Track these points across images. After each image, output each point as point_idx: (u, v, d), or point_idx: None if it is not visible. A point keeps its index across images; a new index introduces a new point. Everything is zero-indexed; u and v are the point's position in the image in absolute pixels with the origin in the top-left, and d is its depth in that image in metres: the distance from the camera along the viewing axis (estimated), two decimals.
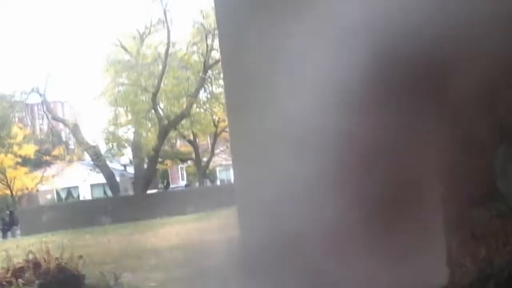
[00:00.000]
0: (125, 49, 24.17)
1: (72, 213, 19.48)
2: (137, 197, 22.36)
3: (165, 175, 30.68)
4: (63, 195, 28.31)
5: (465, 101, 1.37)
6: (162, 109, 24.51)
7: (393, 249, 1.38)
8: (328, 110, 1.36)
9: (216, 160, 27.56)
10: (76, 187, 28.39)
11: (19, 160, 25.02)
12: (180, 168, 31.17)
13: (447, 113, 1.38)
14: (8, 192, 25.26)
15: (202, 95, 25.00)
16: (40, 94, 24.76)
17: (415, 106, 1.36)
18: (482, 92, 1.37)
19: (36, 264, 8.96)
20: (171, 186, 29.89)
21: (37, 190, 26.90)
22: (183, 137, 26.38)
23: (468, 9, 1.36)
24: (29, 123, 27.77)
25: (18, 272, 8.56)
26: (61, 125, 26.78)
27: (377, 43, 1.35)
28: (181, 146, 28.29)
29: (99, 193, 27.75)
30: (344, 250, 1.37)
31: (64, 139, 27.92)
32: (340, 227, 1.36)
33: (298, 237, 1.40)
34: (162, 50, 23.55)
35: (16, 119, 26.36)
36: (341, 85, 1.36)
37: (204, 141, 27.92)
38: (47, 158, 26.08)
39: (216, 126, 25.12)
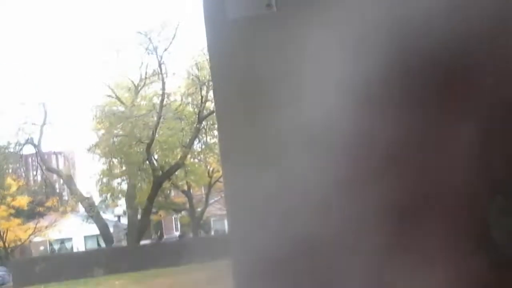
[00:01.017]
0: (120, 101, 24.31)
1: (65, 264, 19.27)
2: (130, 248, 22.17)
3: (158, 226, 30.51)
4: (56, 246, 28.08)
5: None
6: (156, 160, 24.54)
7: (408, 258, 1.38)
8: (346, 114, 1.38)
9: (211, 210, 27.46)
10: (70, 239, 28.19)
11: (12, 211, 24.87)
12: (174, 218, 31.02)
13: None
14: (0, 244, 25.05)
15: (197, 146, 25.08)
16: (35, 145, 24.79)
17: (440, 106, 1.37)
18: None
19: None
20: (165, 236, 29.68)
21: (30, 242, 26.66)
22: (177, 187, 26.34)
23: (494, 5, 1.37)
24: (23, 174, 27.70)
25: None
26: (55, 176, 26.73)
27: (398, 42, 1.37)
28: (175, 196, 28.22)
29: (92, 244, 27.55)
30: (363, 260, 1.37)
31: (58, 190, 27.83)
32: (360, 233, 1.36)
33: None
34: (156, 101, 23.69)
35: (10, 170, 26.30)
36: (360, 86, 1.38)
37: (199, 192, 27.87)
38: (41, 209, 25.94)
39: (210, 176, 25.12)
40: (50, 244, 28.04)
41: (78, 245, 28.13)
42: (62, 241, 28.00)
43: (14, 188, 25.37)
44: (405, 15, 1.36)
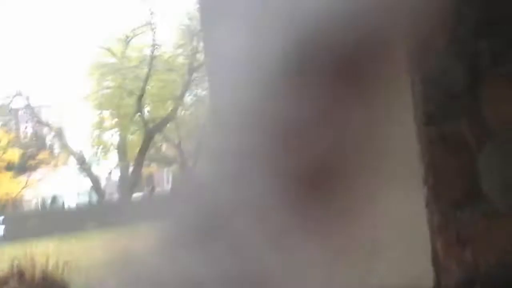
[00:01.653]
0: (110, 52, 24.10)
1: (57, 219, 19.36)
2: (122, 201, 22.25)
3: (150, 179, 30.62)
4: (48, 201, 28.18)
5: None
6: (147, 112, 24.47)
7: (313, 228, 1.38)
8: (250, 92, 1.36)
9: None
10: (61, 193, 28.27)
11: (4, 164, 24.90)
12: (166, 171, 31.13)
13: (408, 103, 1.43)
14: None
15: (188, 98, 24.99)
16: (24, 98, 24.65)
17: (333, 87, 1.36)
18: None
19: (21, 273, 8.85)
20: (156, 189, 29.82)
21: (22, 196, 26.75)
22: (169, 140, 26.34)
23: None
24: (13, 128, 27.62)
25: (1, 281, 8.46)
26: (45, 129, 26.67)
27: (299, 26, 1.34)
28: (167, 149, 28.25)
29: (84, 198, 27.63)
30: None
31: (48, 143, 27.80)
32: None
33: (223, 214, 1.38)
34: (147, 52, 23.51)
35: (0, 124, 26.23)
36: (262, 68, 1.31)
37: (190, 145, 27.91)
38: (32, 162, 25.97)
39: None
40: (42, 198, 28.13)
41: (70, 199, 28.23)
42: (54, 196, 28.09)
43: (5, 141, 25.34)
44: (306, 4, 1.35)
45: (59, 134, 25.04)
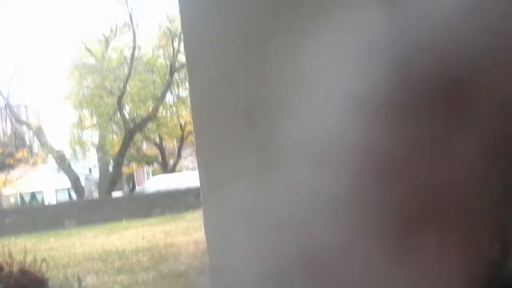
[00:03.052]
0: (90, 52, 23.99)
1: (36, 216, 19.24)
2: (102, 200, 22.17)
3: (130, 178, 30.48)
4: (27, 198, 27.94)
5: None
6: (127, 112, 24.39)
7: (413, 264, 1.40)
8: (349, 125, 1.39)
9: (183, 163, 27.48)
10: (41, 191, 28.05)
11: None
12: (146, 170, 31.00)
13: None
14: None
15: (169, 99, 24.95)
16: (3, 97, 24.46)
17: (439, 117, 1.39)
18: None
19: None
20: (137, 188, 29.70)
21: (0, 194, 26.50)
22: (149, 140, 26.27)
23: (494, 17, 1.40)
24: None
25: None
26: (24, 128, 26.46)
27: (400, 55, 1.38)
28: (147, 149, 28.15)
29: (63, 197, 27.45)
30: (363, 263, 1.39)
31: (28, 142, 27.58)
32: (358, 240, 1.37)
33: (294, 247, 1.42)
34: (127, 53, 23.44)
35: None
36: (362, 98, 1.39)
37: (171, 144, 27.84)
38: (11, 161, 25.72)
39: (182, 129, 25.05)
40: (21, 196, 27.90)
41: (49, 198, 28.03)
42: (33, 194, 27.87)
43: None
44: (407, 29, 1.37)
45: (38, 133, 24.87)
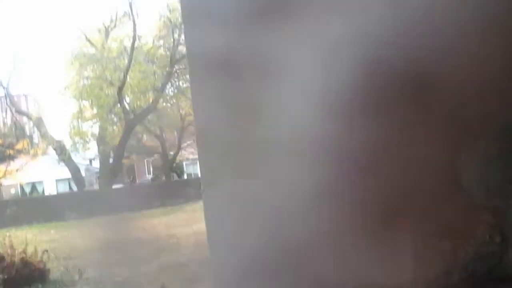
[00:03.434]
0: (90, 42, 23.94)
1: (37, 208, 19.26)
2: (102, 191, 22.18)
3: (131, 169, 30.50)
4: (27, 189, 27.96)
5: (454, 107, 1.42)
6: (128, 104, 24.36)
7: (391, 255, 1.42)
8: (318, 122, 1.40)
9: (183, 154, 27.48)
10: (41, 182, 28.07)
11: None
12: (147, 162, 31.01)
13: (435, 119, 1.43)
14: None
15: (169, 90, 24.92)
16: (4, 87, 24.44)
17: (406, 113, 1.41)
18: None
19: (0, 258, 8.86)
20: (137, 180, 29.72)
21: (1, 185, 26.51)
22: (150, 131, 26.25)
23: (458, 17, 1.40)
24: None
25: None
26: (25, 119, 26.44)
27: (368, 53, 1.39)
28: (148, 140, 28.15)
29: (64, 188, 27.47)
30: (337, 251, 1.40)
31: (28, 133, 27.56)
32: (331, 234, 1.39)
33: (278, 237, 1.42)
34: (128, 43, 23.39)
35: None
36: (331, 96, 1.40)
37: (171, 135, 27.83)
38: (11, 152, 25.71)
39: (182, 120, 25.04)
40: (21, 187, 27.91)
41: (50, 189, 28.05)
42: (33, 184, 27.88)
43: None
44: (374, 29, 1.37)
45: (39, 123, 24.86)
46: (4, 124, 27.65)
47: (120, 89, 22.81)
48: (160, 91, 23.50)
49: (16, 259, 9.07)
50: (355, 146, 1.42)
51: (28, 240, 10.12)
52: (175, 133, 26.95)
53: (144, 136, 27.71)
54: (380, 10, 1.41)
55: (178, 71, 23.61)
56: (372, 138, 1.42)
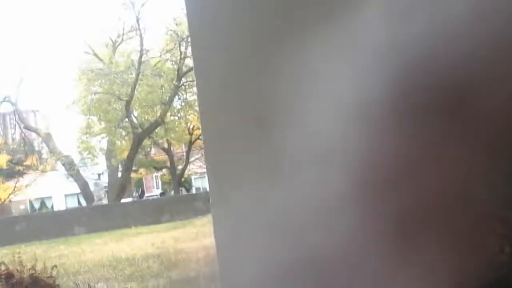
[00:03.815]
0: (98, 57, 24.06)
1: (46, 223, 19.28)
2: (111, 206, 22.20)
3: (139, 184, 30.54)
4: (36, 205, 28.05)
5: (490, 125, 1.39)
6: (136, 117, 24.43)
7: (416, 268, 1.39)
8: (348, 134, 1.38)
9: (191, 168, 27.51)
10: (50, 197, 28.15)
11: None
12: (155, 176, 31.05)
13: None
14: None
15: (176, 103, 24.97)
16: (12, 103, 24.55)
17: (438, 126, 1.37)
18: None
19: (9, 275, 8.87)
20: (146, 194, 29.75)
21: (10, 201, 26.59)
22: (158, 145, 26.29)
23: (501, 27, 1.37)
24: (1, 133, 27.47)
25: None
26: (33, 135, 26.56)
27: (400, 64, 1.36)
28: (156, 154, 28.20)
29: (73, 203, 27.55)
30: (364, 268, 1.37)
31: (36, 148, 27.67)
32: (358, 246, 1.36)
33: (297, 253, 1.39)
34: (135, 58, 23.48)
35: None
36: (362, 108, 1.37)
37: (179, 149, 27.87)
38: (20, 168, 25.81)
39: (190, 134, 25.08)
40: (31, 203, 27.99)
41: (59, 204, 28.11)
42: (42, 200, 27.96)
43: None
44: (408, 39, 1.34)
45: (47, 139, 24.95)
46: (13, 140, 27.78)
47: (128, 103, 22.88)
48: (167, 104, 23.55)
49: (26, 275, 9.05)
50: (385, 156, 1.39)
51: (37, 256, 10.11)
52: (183, 146, 26.99)
53: (152, 150, 27.77)
54: (419, 20, 1.38)
55: (185, 84, 23.67)
56: (403, 149, 1.39)
